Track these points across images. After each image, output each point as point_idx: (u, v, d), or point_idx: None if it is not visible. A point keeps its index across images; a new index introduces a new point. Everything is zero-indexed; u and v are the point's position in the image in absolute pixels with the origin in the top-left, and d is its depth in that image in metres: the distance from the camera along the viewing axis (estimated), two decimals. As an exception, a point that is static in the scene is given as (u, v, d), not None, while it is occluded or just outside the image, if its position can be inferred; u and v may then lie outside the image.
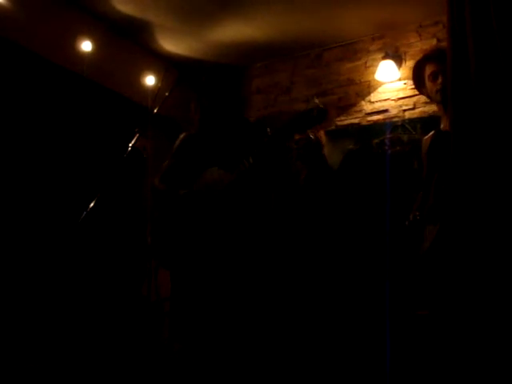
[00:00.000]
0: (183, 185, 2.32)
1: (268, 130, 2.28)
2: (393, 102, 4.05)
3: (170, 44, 4.42)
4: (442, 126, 2.46)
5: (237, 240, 2.21)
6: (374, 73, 4.10)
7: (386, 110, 4.08)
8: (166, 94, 2.71)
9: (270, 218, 2.23)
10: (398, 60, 4.03)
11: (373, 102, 4.16)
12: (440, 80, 2.38)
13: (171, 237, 2.29)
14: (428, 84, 2.48)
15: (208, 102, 2.42)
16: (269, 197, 2.24)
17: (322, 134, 3.64)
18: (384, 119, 4.07)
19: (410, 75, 2.64)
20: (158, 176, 2.47)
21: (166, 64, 4.53)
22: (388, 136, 3.97)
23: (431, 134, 2.52)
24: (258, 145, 2.17)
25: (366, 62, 4.25)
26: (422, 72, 2.52)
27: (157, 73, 4.38)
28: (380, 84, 4.13)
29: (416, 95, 3.80)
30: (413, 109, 3.93)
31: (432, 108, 3.54)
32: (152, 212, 2.46)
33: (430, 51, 2.60)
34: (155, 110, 2.69)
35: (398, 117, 4.00)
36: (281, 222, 2.27)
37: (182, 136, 2.53)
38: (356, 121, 4.22)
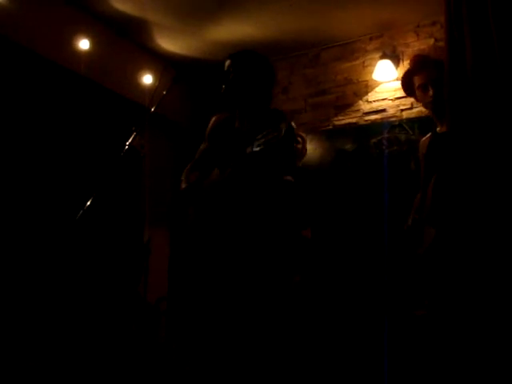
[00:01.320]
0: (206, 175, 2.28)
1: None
2: (390, 102, 4.05)
3: (168, 43, 4.41)
4: (438, 129, 2.46)
5: (226, 243, 2.20)
6: (371, 72, 4.10)
7: (383, 110, 4.07)
8: (164, 92, 2.71)
9: (255, 220, 2.20)
10: (396, 60, 4.03)
11: (370, 102, 4.16)
12: (431, 92, 2.36)
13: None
14: (418, 93, 2.47)
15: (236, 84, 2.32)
16: (249, 203, 2.18)
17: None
18: (381, 119, 4.07)
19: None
20: (191, 163, 2.41)
21: (164, 63, 4.53)
22: (385, 136, 3.98)
23: (428, 135, 2.52)
24: (239, 155, 2.13)
25: (363, 62, 4.25)
26: (411, 81, 2.51)
27: (154, 72, 4.38)
28: (377, 84, 4.13)
29: (413, 95, 3.80)
30: (410, 108, 3.93)
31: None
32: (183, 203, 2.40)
33: (416, 62, 2.58)
34: (152, 109, 2.69)
35: (396, 116, 4.00)
36: (271, 225, 2.24)
37: (214, 118, 2.47)
38: (353, 120, 4.21)
